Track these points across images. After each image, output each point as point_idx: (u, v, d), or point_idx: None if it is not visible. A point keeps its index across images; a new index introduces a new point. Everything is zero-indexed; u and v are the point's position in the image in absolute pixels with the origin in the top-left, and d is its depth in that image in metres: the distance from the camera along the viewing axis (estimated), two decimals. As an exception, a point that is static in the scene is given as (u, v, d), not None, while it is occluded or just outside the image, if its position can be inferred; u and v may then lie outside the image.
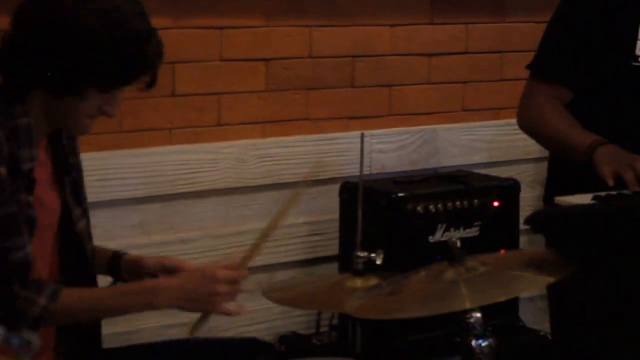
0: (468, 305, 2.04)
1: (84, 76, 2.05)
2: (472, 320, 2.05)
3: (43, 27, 2.06)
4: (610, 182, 2.55)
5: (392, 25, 3.20)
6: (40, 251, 2.20)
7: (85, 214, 2.35)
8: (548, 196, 2.97)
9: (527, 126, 2.92)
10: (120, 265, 2.36)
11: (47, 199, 2.20)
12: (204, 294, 2.06)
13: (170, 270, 2.35)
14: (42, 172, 2.18)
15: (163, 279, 2.31)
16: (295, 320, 3.00)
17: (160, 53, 2.14)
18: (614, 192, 2.50)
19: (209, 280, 2.06)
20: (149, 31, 2.08)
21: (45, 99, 2.10)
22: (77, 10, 2.03)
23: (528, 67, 2.92)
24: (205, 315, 2.10)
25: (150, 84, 2.17)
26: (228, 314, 2.07)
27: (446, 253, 2.15)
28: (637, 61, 2.80)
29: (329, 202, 3.13)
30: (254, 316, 2.92)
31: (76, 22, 2.02)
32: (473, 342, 2.04)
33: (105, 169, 2.82)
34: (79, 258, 2.29)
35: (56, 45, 2.05)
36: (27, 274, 2.13)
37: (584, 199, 2.47)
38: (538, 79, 2.89)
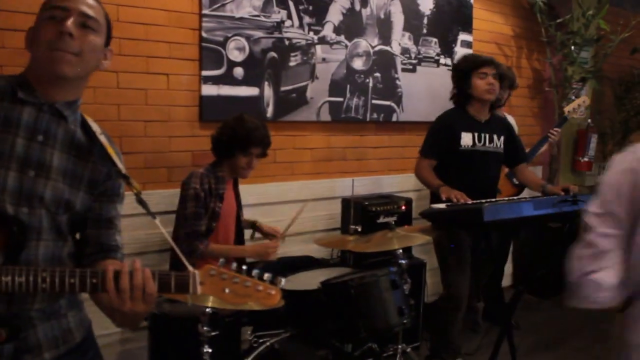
0: (397, 246, 3.07)
1: (243, 148, 3.10)
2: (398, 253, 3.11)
3: (227, 136, 3.17)
4: (444, 199, 3.43)
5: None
6: (228, 229, 3.16)
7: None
8: (430, 204, 3.85)
9: (418, 178, 3.87)
10: (254, 228, 3.38)
11: (231, 203, 3.18)
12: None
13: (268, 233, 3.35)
14: (230, 192, 3.20)
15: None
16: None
17: (265, 139, 3.14)
18: (456, 202, 3.35)
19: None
20: (263, 131, 3.13)
21: (229, 162, 3.13)
22: (239, 129, 3.12)
23: (419, 152, 3.86)
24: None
25: (263, 154, 3.18)
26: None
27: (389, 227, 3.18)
28: (460, 148, 3.85)
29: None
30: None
31: (237, 132, 3.12)
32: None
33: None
34: (239, 232, 3.30)
35: (232, 147, 3.10)
36: (202, 236, 2.96)
37: (442, 205, 3.27)
38: (421, 156, 3.91)
